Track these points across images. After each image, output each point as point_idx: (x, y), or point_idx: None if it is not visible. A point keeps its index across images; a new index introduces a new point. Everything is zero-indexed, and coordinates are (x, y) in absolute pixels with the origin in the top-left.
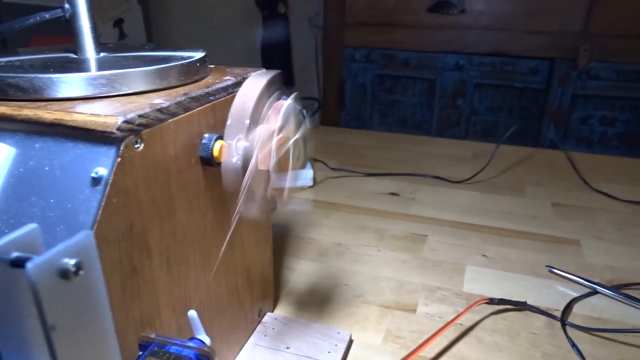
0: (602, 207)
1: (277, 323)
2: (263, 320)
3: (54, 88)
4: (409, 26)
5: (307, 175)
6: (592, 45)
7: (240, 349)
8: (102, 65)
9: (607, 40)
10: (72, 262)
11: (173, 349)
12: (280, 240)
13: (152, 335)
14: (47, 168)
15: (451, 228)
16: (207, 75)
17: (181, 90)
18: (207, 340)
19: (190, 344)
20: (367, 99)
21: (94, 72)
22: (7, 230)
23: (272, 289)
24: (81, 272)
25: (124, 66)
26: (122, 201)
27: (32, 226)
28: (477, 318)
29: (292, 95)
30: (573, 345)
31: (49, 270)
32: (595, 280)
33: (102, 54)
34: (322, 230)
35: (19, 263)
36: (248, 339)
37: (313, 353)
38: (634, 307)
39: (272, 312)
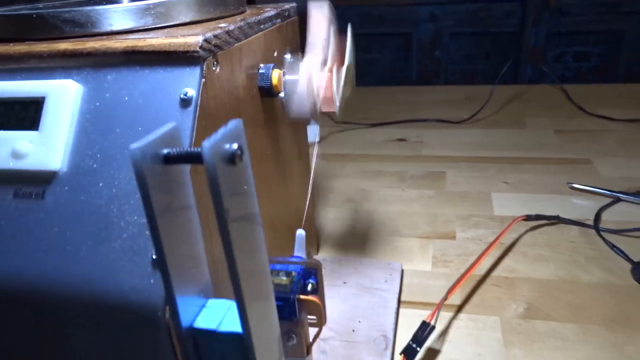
0: (603, 129)
1: (327, 263)
2: None
3: (113, 19)
4: None
5: (312, 130)
6: None
7: None
8: None
9: None
10: (235, 146)
11: (277, 267)
12: None
13: None
14: (126, 98)
15: (466, 163)
16: (246, 10)
17: (238, 17)
18: (302, 256)
19: (293, 259)
20: None
21: (149, 1)
22: (95, 166)
23: (315, 230)
24: (244, 157)
25: None
26: (208, 124)
27: (172, 125)
28: (515, 236)
29: (350, 26)
30: (613, 246)
31: (220, 155)
32: (617, 190)
33: None
34: (342, 179)
35: (188, 157)
36: None
37: (371, 284)
38: None
39: (317, 254)
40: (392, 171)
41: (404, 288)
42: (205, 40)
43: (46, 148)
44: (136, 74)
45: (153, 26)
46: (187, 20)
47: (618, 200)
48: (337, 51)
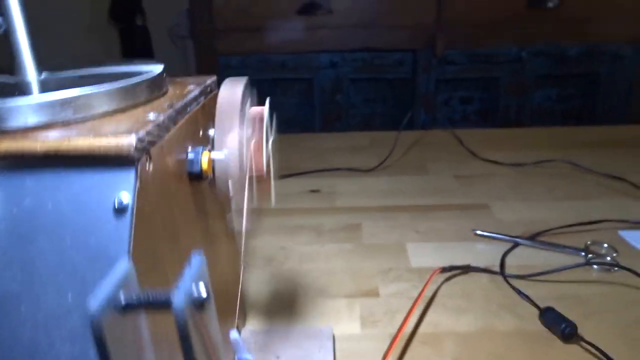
0: (493, 173)
1: (257, 336)
2: (242, 336)
3: (27, 115)
4: (282, 29)
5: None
6: (446, 34)
7: None
8: (59, 86)
9: (457, 29)
10: (202, 288)
11: None
12: None
13: None
14: (50, 205)
15: (379, 212)
16: (168, 89)
17: (164, 102)
18: (251, 358)
19: None
20: None
21: (67, 93)
22: (13, 286)
23: (244, 303)
24: (210, 299)
25: (91, 84)
26: (144, 228)
27: (124, 266)
28: (434, 287)
29: (267, 101)
30: (520, 292)
31: (188, 302)
32: (513, 235)
33: (44, 75)
34: (260, 236)
35: (153, 304)
36: None
37: (304, 355)
38: (550, 250)
39: (245, 326)
40: (309, 225)
41: (337, 354)
42: (139, 139)
43: None
44: (60, 178)
45: (73, 119)
46: (110, 109)
47: (517, 244)
48: (256, 131)
